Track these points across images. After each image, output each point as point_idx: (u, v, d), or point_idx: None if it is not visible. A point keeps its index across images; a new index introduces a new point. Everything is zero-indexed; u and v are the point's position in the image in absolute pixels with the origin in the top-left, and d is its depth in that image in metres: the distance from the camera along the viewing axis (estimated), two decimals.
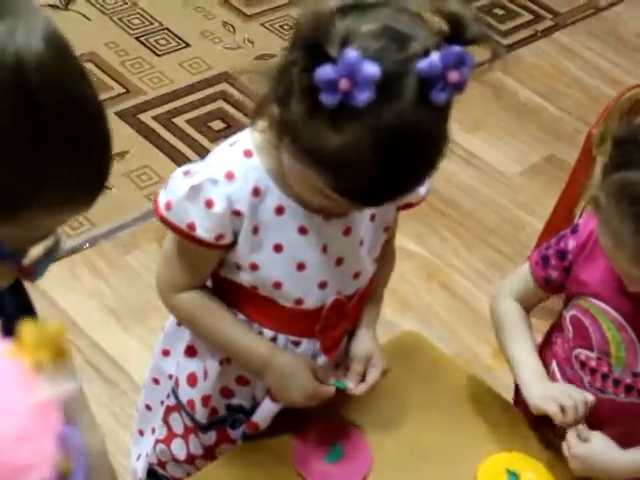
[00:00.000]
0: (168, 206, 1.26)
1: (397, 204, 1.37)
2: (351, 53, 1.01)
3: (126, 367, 2.24)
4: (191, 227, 1.25)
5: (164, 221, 1.27)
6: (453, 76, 1.04)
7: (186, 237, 1.27)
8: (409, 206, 1.42)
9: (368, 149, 1.05)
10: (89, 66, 3.06)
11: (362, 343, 1.44)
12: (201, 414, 1.45)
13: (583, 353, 1.46)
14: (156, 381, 1.51)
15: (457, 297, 2.64)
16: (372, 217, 1.35)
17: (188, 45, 3.28)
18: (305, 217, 1.28)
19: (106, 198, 2.57)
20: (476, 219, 2.89)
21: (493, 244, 2.80)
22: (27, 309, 1.16)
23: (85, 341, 2.29)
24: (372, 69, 1.02)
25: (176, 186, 1.25)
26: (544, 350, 1.56)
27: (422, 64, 1.04)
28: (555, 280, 1.48)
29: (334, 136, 1.06)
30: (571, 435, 1.40)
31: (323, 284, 1.33)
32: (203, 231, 1.25)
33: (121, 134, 2.81)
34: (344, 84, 1.02)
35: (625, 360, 1.41)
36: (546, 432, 1.50)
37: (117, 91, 3.03)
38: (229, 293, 1.37)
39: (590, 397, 1.40)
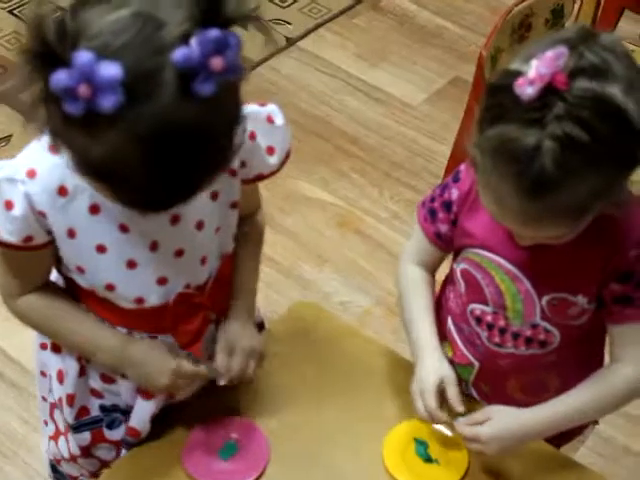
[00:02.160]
0: None
1: (242, 178, 1.27)
2: (83, 55, 0.89)
3: (31, 368, 2.13)
4: None
5: None
6: (216, 63, 0.92)
7: None
8: (260, 178, 1.32)
9: (132, 157, 0.94)
10: None
11: (223, 334, 1.36)
12: (68, 413, 1.39)
13: (478, 308, 1.37)
14: (43, 374, 1.45)
15: (373, 242, 2.55)
16: (213, 195, 1.25)
17: None
18: (124, 214, 1.17)
19: None
20: (382, 155, 2.80)
21: (403, 180, 2.72)
22: None
23: None
24: (111, 70, 0.90)
25: None
26: (438, 306, 1.48)
27: (177, 55, 0.91)
28: (446, 234, 1.39)
29: (94, 145, 0.94)
30: (464, 428, 1.32)
31: (162, 280, 1.24)
32: (7, 234, 1.16)
33: (3, 119, 2.68)
34: (83, 90, 0.89)
35: (522, 312, 1.33)
36: None
37: None
38: (76, 291, 1.30)
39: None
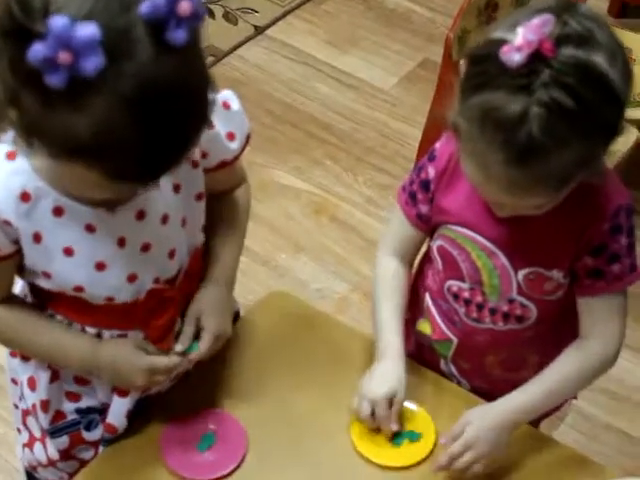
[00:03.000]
0: None
1: (204, 166, 1.27)
2: (58, 20, 0.88)
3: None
4: None
5: None
6: (184, 8, 0.91)
7: None
8: (224, 165, 1.31)
9: (121, 119, 0.93)
10: None
11: (196, 301, 1.33)
12: (43, 419, 1.37)
13: (455, 284, 1.37)
14: (14, 381, 1.43)
15: (348, 228, 2.55)
16: (175, 188, 1.23)
17: None
18: (88, 214, 1.16)
19: None
20: (355, 140, 2.79)
21: (376, 164, 2.71)
22: None
23: None
24: (89, 30, 0.88)
25: None
26: (417, 283, 1.48)
27: (144, 7, 0.90)
28: (426, 214, 1.38)
29: (81, 119, 0.93)
30: (453, 446, 1.30)
31: (132, 277, 1.23)
32: None
33: None
34: (64, 58, 0.88)
35: (499, 288, 1.33)
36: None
37: None
38: (41, 296, 1.28)
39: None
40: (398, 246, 1.44)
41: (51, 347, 1.29)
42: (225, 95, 1.28)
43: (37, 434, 1.42)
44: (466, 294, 1.37)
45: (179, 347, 1.30)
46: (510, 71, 1.06)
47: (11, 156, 1.14)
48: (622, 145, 2.19)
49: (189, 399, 1.38)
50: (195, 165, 1.26)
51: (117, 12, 0.91)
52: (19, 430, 1.47)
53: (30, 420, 1.42)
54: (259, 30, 3.11)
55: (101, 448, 1.38)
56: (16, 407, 1.45)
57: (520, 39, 1.05)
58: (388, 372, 1.36)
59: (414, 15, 3.24)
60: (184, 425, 1.36)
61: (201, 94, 1.00)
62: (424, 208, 1.37)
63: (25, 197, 1.14)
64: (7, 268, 1.22)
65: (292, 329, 1.51)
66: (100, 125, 0.93)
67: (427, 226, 1.39)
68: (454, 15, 2.92)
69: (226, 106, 1.27)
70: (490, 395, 1.38)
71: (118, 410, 1.34)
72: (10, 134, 1.08)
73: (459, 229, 1.32)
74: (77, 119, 0.93)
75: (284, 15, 3.20)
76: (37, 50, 0.88)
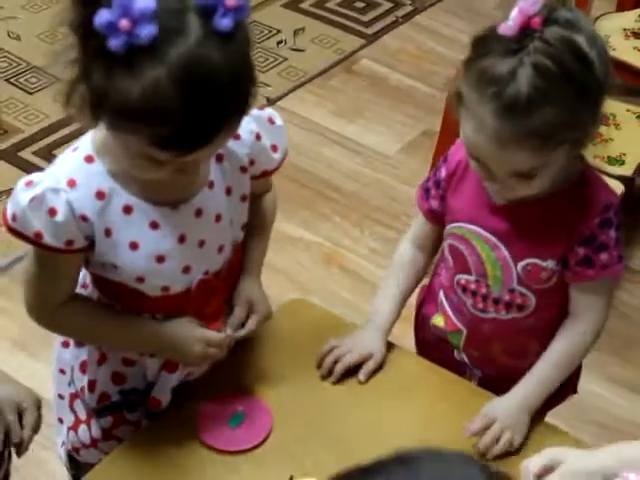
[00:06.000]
0: (14, 217, 1.30)
1: (251, 173, 1.44)
2: None
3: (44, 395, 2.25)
4: (38, 235, 1.29)
5: (12, 231, 1.31)
6: (231, 0, 1.10)
7: (35, 245, 1.32)
8: (266, 174, 1.48)
9: (168, 87, 1.10)
10: None
11: (242, 290, 1.50)
12: (89, 399, 1.50)
13: (463, 278, 1.54)
14: (62, 371, 1.56)
15: (357, 277, 2.71)
16: (228, 190, 1.40)
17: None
18: (154, 212, 1.33)
19: None
20: (362, 200, 2.97)
21: (382, 221, 2.88)
22: None
23: None
24: (146, 2, 1.07)
25: (19, 197, 1.29)
26: (433, 282, 1.65)
27: None
28: (437, 209, 1.56)
29: (134, 83, 1.10)
30: (483, 445, 1.44)
31: (187, 268, 1.39)
32: (50, 238, 1.29)
33: (4, 173, 2.84)
34: (124, 24, 1.07)
35: (501, 278, 1.49)
36: None
37: None
38: (104, 288, 1.43)
39: None
40: (416, 235, 1.63)
41: (116, 332, 1.43)
42: (269, 112, 1.46)
43: (82, 417, 1.54)
44: (472, 286, 1.53)
45: (229, 331, 1.46)
46: (504, 39, 1.26)
47: (89, 159, 1.31)
48: None
49: (223, 383, 1.52)
50: (244, 170, 1.43)
51: None
52: (60, 420, 1.59)
53: (77, 403, 1.54)
54: (271, 101, 3.31)
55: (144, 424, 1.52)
56: (60, 397, 1.57)
57: (514, 12, 1.26)
58: (369, 338, 1.56)
59: (415, 91, 3.45)
60: (217, 405, 1.50)
61: (240, 81, 1.16)
62: (435, 203, 1.55)
63: (100, 196, 1.31)
64: (78, 261, 1.37)
65: (317, 330, 1.66)
66: (149, 90, 1.11)
67: (438, 220, 1.57)
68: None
69: (271, 121, 1.45)
70: (499, 382, 1.54)
71: (165, 386, 1.47)
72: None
73: (466, 225, 1.50)
74: (131, 84, 1.11)
75: (294, 89, 3.42)
76: (103, 15, 1.08)
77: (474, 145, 1.36)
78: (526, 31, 1.26)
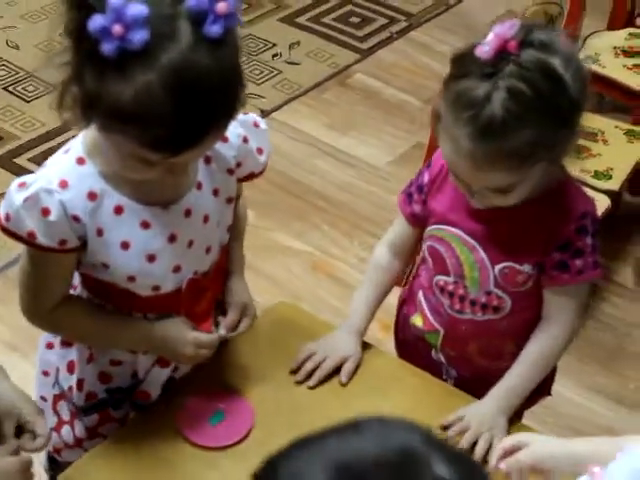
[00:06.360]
0: (7, 217, 1.32)
1: (237, 175, 1.47)
2: None
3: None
4: (31, 235, 1.32)
5: (5, 231, 1.34)
6: (221, 7, 1.14)
7: (29, 244, 1.35)
8: (252, 176, 1.52)
9: (157, 90, 1.14)
10: None
11: (235, 292, 1.54)
12: (77, 398, 1.53)
13: (442, 279, 1.57)
14: (45, 373, 1.58)
15: (343, 284, 2.74)
16: (215, 192, 1.44)
17: None
18: (145, 211, 1.36)
19: None
20: (352, 210, 3.01)
21: (370, 230, 2.92)
22: None
23: None
24: (139, 8, 1.12)
25: (13, 198, 1.31)
26: (413, 283, 1.69)
27: (190, 1, 1.14)
28: (419, 214, 1.60)
29: (125, 86, 1.14)
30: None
31: (177, 268, 1.42)
32: (43, 238, 1.32)
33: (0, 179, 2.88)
34: (117, 29, 1.11)
35: (479, 280, 1.53)
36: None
37: None
38: (94, 289, 1.46)
39: None
40: (393, 240, 1.67)
41: (110, 332, 1.46)
42: (254, 116, 1.51)
43: (66, 417, 1.57)
44: (450, 287, 1.56)
45: (223, 331, 1.50)
46: (481, 62, 1.30)
47: (80, 161, 1.35)
48: None
49: (206, 381, 1.55)
50: (231, 173, 1.47)
51: (166, 2, 1.15)
52: None
53: (61, 404, 1.57)
54: (265, 113, 3.36)
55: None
56: (43, 399, 1.59)
57: (490, 36, 1.29)
58: (343, 341, 1.60)
59: (408, 105, 3.49)
60: (199, 402, 1.53)
61: (229, 85, 1.21)
62: (417, 207, 1.59)
63: (92, 197, 1.34)
64: (71, 261, 1.40)
65: (300, 330, 1.69)
66: (140, 94, 1.15)
67: (419, 224, 1.61)
68: None
69: (256, 125, 1.50)
70: (475, 384, 1.58)
71: (156, 380, 1.51)
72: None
73: (445, 227, 1.53)
74: (122, 87, 1.15)
75: (288, 101, 3.46)
76: (97, 20, 1.12)
77: (451, 163, 1.41)
78: (502, 55, 1.29)
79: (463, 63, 1.34)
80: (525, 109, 1.30)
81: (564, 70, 1.31)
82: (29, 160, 3.02)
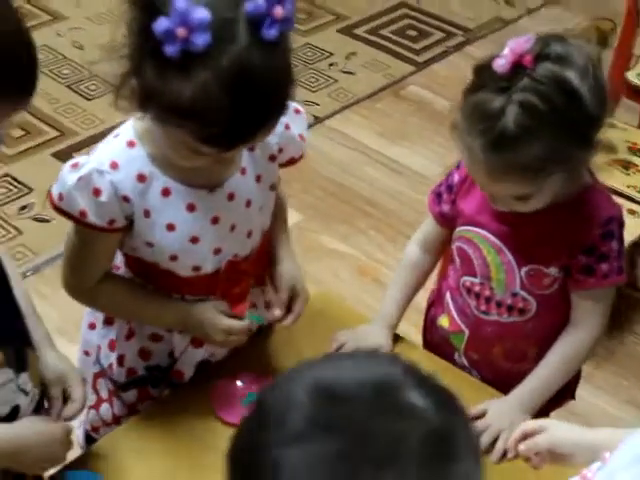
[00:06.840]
0: (60, 197, 1.39)
1: (278, 161, 1.53)
2: (180, 2, 1.17)
3: None
4: (83, 214, 1.39)
5: (58, 210, 1.41)
6: (278, 11, 1.20)
7: (80, 223, 1.41)
8: (293, 162, 1.57)
9: (216, 90, 1.20)
10: (24, 114, 3.22)
11: (284, 273, 1.58)
12: (118, 374, 1.59)
13: (468, 280, 1.61)
14: (87, 353, 1.65)
15: (386, 288, 2.77)
16: (257, 178, 1.49)
17: None
18: (191, 194, 1.42)
19: (47, 229, 2.76)
20: (397, 217, 3.06)
21: None
22: None
23: None
24: (203, 13, 1.18)
25: (65, 178, 1.38)
26: (441, 284, 1.73)
27: (248, 6, 1.20)
28: (448, 213, 1.64)
29: (185, 85, 1.20)
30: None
31: (218, 250, 1.48)
32: (94, 217, 1.39)
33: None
34: (181, 32, 1.17)
35: (505, 282, 1.56)
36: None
37: (52, 134, 3.22)
38: (136, 269, 1.52)
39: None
40: (422, 238, 1.71)
41: (152, 310, 1.52)
42: (294, 104, 1.54)
43: (105, 395, 1.63)
44: (477, 288, 1.60)
45: (277, 312, 1.55)
46: (497, 76, 1.33)
47: (131, 144, 1.41)
48: (632, 230, 2.41)
49: (241, 366, 1.61)
50: (273, 159, 1.52)
51: (227, 6, 1.21)
52: None
53: (100, 382, 1.63)
54: (318, 120, 3.42)
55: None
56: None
57: (506, 50, 1.33)
58: (374, 333, 1.64)
59: None
60: (233, 383, 1.59)
61: (282, 85, 1.27)
62: (446, 207, 1.64)
63: (141, 178, 1.40)
64: (117, 239, 1.46)
65: (336, 320, 1.74)
66: (199, 92, 1.21)
67: (448, 224, 1.65)
68: None
69: (297, 111, 1.55)
70: (496, 387, 1.60)
71: (190, 359, 1.57)
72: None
73: (474, 229, 1.57)
74: (183, 86, 1.21)
75: (342, 109, 3.52)
76: (161, 23, 1.18)
77: (469, 170, 1.46)
78: (517, 69, 1.32)
79: (481, 75, 1.38)
80: (538, 123, 1.33)
81: (580, 83, 1.33)
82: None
